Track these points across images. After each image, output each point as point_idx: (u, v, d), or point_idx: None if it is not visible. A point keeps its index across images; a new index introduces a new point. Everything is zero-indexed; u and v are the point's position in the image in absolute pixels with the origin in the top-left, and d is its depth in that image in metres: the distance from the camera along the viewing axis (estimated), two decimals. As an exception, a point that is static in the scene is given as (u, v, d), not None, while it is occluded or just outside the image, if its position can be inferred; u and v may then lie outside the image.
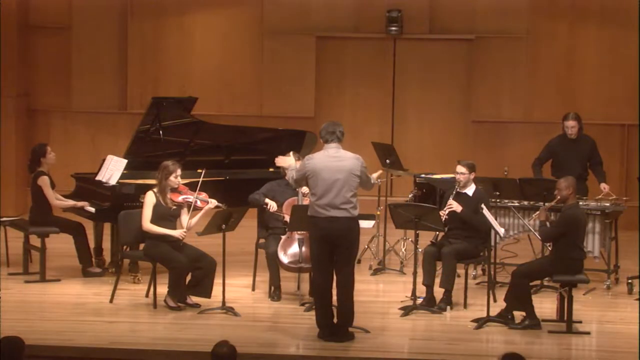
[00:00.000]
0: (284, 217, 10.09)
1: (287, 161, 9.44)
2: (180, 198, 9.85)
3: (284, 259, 9.96)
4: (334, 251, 8.76)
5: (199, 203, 9.88)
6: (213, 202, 9.89)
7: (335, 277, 8.81)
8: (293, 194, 10.15)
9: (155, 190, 9.82)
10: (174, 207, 9.83)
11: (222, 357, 6.51)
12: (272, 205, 10.13)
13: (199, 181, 9.91)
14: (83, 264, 10.95)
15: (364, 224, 9.18)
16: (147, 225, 9.74)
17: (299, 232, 9.92)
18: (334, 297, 8.85)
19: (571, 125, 11.31)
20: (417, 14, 14.43)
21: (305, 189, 10.02)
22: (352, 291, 8.83)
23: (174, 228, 9.84)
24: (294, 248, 9.96)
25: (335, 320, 8.84)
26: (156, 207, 9.76)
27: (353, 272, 8.87)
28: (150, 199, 9.77)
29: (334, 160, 8.78)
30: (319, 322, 8.85)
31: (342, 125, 8.93)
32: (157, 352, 8.50)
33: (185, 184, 10.05)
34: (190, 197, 9.85)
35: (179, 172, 9.83)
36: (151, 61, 14.79)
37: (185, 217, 9.87)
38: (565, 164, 11.29)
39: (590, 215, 10.44)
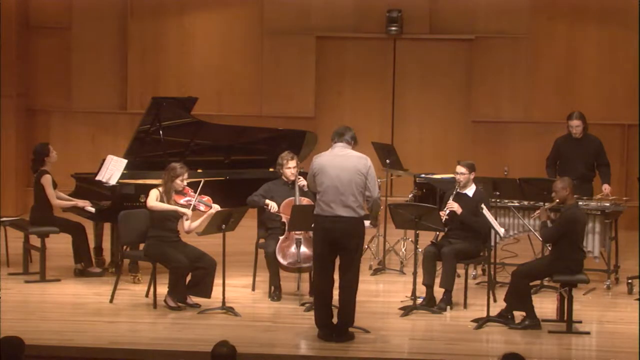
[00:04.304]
0: (281, 217, 10.09)
1: None
2: (183, 200, 9.85)
3: (283, 260, 9.97)
4: (337, 252, 8.74)
5: (202, 207, 9.86)
6: (216, 207, 9.86)
7: (339, 277, 8.80)
8: (290, 194, 10.15)
9: (160, 189, 9.82)
10: (178, 208, 9.85)
11: (222, 357, 6.51)
12: (272, 206, 10.13)
13: (199, 186, 9.86)
14: (84, 263, 10.94)
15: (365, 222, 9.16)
16: (152, 203, 9.75)
17: (296, 232, 9.92)
18: (334, 297, 8.85)
19: (575, 125, 11.30)
20: (417, 14, 14.43)
21: (302, 181, 10.02)
22: (355, 292, 8.81)
23: (176, 229, 9.84)
24: (293, 248, 9.96)
25: (335, 320, 8.84)
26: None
27: (358, 274, 8.84)
28: (155, 194, 9.78)
29: (340, 158, 8.77)
30: (318, 323, 8.84)
31: (354, 131, 8.92)
32: (157, 352, 8.50)
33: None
34: (193, 200, 9.83)
35: (186, 175, 9.83)
36: (151, 61, 14.80)
37: (187, 220, 9.85)
38: (569, 163, 11.29)
39: (590, 215, 10.44)
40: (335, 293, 8.88)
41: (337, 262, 8.85)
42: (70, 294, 10.33)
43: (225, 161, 11.61)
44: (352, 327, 8.87)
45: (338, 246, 8.70)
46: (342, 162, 8.73)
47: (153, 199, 9.77)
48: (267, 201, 10.16)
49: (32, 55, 14.77)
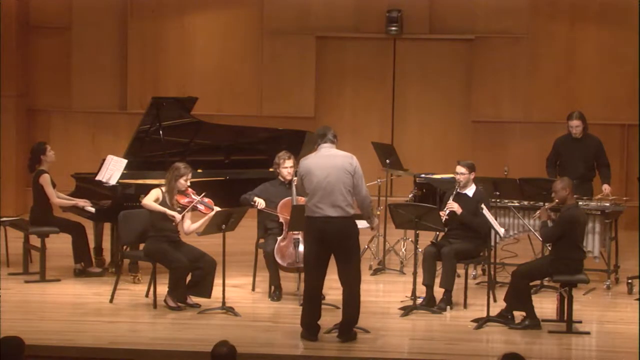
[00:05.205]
0: (278, 218, 10.08)
1: None
2: (185, 200, 9.84)
3: (281, 260, 9.97)
4: (331, 252, 8.72)
5: (202, 208, 9.85)
6: (217, 210, 9.84)
7: (339, 278, 8.79)
8: (287, 194, 10.13)
9: (162, 189, 9.81)
10: (179, 209, 9.82)
11: (222, 357, 6.51)
12: (259, 203, 10.12)
13: (201, 193, 9.85)
14: (84, 263, 10.94)
15: (362, 224, 9.15)
16: (146, 201, 9.76)
17: (294, 232, 9.91)
18: (328, 297, 8.86)
19: (575, 125, 11.30)
20: (417, 14, 14.43)
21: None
22: (358, 291, 8.78)
23: (176, 229, 9.84)
24: (291, 249, 9.96)
25: (318, 319, 8.83)
26: (160, 206, 9.76)
27: (359, 273, 8.81)
28: (156, 194, 9.77)
29: (326, 158, 8.74)
30: (304, 322, 8.82)
31: (333, 130, 8.89)
32: (157, 352, 8.50)
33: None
34: (195, 201, 9.82)
35: (189, 175, 9.82)
36: (151, 61, 14.80)
37: (187, 221, 9.85)
38: (569, 163, 11.29)
39: (590, 215, 10.44)
40: (335, 293, 8.87)
41: (331, 263, 8.85)
42: (70, 294, 10.33)
43: (225, 161, 11.61)
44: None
45: (332, 247, 8.67)
46: (328, 162, 8.71)
47: (150, 198, 9.76)
48: (255, 198, 10.15)
49: (32, 55, 14.77)
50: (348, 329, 8.79)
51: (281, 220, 10.04)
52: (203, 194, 9.85)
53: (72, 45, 14.75)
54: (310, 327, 8.79)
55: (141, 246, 10.07)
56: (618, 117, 14.27)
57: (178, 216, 9.75)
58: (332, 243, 8.65)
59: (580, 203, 10.10)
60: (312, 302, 8.80)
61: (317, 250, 8.70)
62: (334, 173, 8.65)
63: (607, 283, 10.77)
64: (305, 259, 8.88)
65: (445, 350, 8.68)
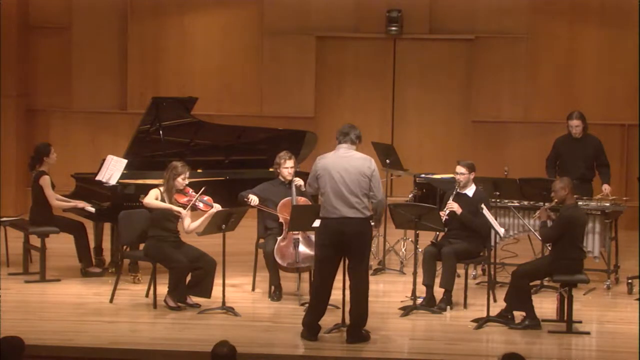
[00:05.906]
0: (278, 218, 10.08)
1: None
2: (184, 199, 9.84)
3: (281, 260, 9.97)
4: (344, 253, 8.71)
5: (201, 205, 9.85)
6: (217, 207, 9.84)
7: (348, 279, 8.79)
8: (287, 194, 10.13)
9: (161, 189, 9.81)
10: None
11: (222, 357, 6.52)
12: (252, 200, 10.12)
13: (200, 190, 9.85)
14: (83, 263, 10.95)
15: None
16: (148, 200, 9.76)
17: (294, 233, 9.91)
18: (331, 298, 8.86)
19: (575, 125, 11.30)
20: (417, 14, 14.43)
21: (298, 181, 10.01)
22: (367, 292, 8.78)
23: (176, 228, 9.84)
24: (291, 249, 9.96)
25: (319, 320, 8.82)
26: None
27: (367, 274, 8.83)
28: (155, 194, 9.77)
29: (343, 160, 8.72)
30: (306, 321, 8.81)
31: (359, 130, 8.88)
32: (157, 352, 8.50)
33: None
34: (194, 199, 9.82)
35: (187, 174, 9.82)
36: (151, 61, 14.80)
37: (187, 219, 9.85)
38: (569, 163, 11.30)
39: (590, 215, 10.44)
40: (335, 292, 8.88)
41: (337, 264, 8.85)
42: (70, 294, 10.33)
43: (225, 161, 11.61)
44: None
45: (346, 247, 8.66)
46: (345, 164, 8.69)
47: (151, 197, 9.77)
48: (250, 195, 10.14)
49: (32, 55, 14.77)
50: (357, 330, 8.77)
51: (281, 220, 10.04)
52: (202, 189, 9.84)
53: (72, 45, 14.75)
54: (311, 327, 8.79)
55: (141, 246, 10.07)
56: (618, 117, 14.27)
57: (184, 211, 9.75)
58: (348, 243, 8.63)
59: (580, 203, 10.11)
60: (320, 302, 8.79)
61: (331, 251, 8.68)
62: (351, 175, 8.63)
63: (607, 283, 10.77)
64: (318, 259, 8.84)
65: (445, 350, 8.68)
